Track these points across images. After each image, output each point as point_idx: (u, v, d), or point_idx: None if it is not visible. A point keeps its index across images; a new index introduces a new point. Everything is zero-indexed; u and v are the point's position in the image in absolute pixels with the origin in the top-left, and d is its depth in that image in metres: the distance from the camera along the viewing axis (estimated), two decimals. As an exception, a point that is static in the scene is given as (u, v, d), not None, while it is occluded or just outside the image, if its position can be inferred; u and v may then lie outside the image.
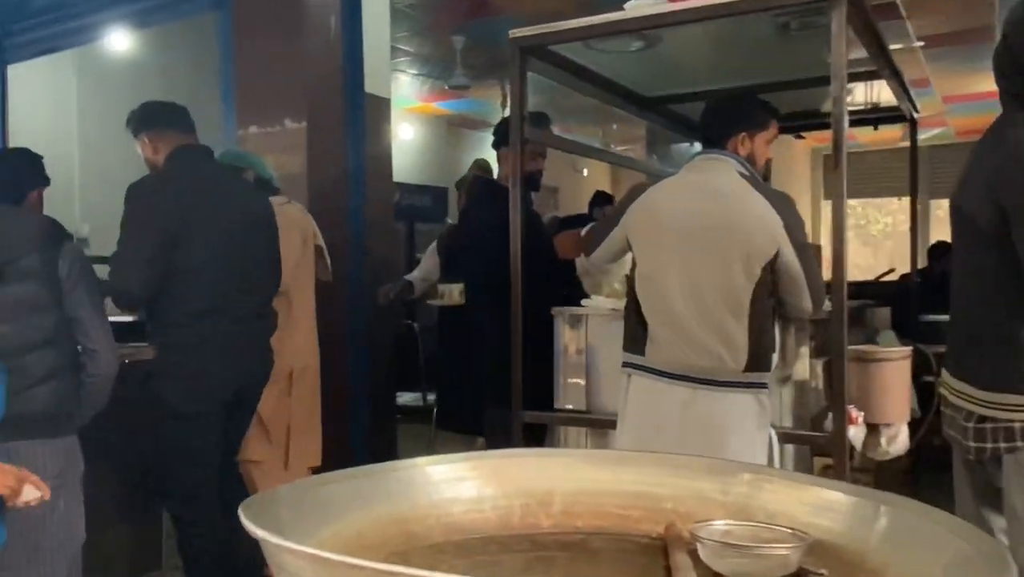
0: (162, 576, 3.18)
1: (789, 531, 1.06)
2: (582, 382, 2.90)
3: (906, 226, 11.62)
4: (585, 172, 12.93)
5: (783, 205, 2.28)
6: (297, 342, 3.27)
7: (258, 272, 2.94)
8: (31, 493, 1.87)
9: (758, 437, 2.30)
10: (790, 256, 2.26)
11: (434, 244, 4.14)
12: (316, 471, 3.33)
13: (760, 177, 2.41)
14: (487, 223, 3.25)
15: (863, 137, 10.13)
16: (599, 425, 2.83)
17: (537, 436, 3.12)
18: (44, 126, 5.72)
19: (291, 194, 3.54)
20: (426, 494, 1.22)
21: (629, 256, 2.51)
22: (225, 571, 2.82)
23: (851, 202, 10.60)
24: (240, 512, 0.91)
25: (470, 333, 3.55)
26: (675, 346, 2.30)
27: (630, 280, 2.46)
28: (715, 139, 2.43)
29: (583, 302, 2.99)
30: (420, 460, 1.27)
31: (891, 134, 8.36)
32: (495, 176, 3.78)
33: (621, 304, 2.83)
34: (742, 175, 2.34)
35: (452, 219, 4.11)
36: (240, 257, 2.83)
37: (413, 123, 9.46)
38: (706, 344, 2.27)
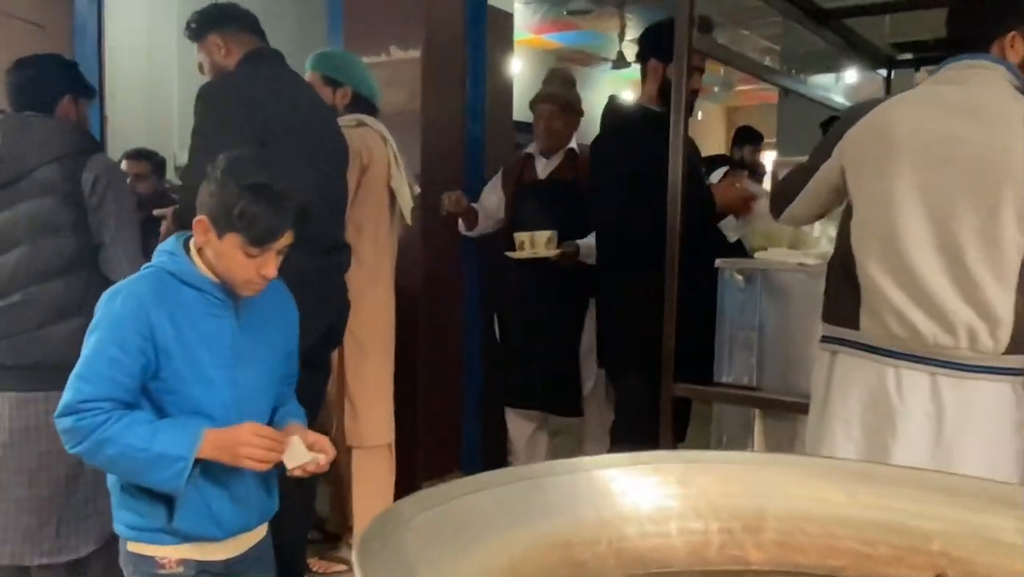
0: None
1: None
2: (753, 352, 2.37)
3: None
4: (699, 116, 12.14)
5: (1079, 131, 1.66)
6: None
7: (336, 197, 2.50)
8: (299, 456, 1.49)
9: (1016, 440, 1.74)
10: None
11: (497, 177, 3.40)
12: (397, 448, 2.97)
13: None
14: (636, 156, 2.71)
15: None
16: (773, 407, 2.32)
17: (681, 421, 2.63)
18: (143, 50, 5.43)
19: (403, 115, 3.09)
20: (594, 508, 0.97)
21: None
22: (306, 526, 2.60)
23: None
24: (355, 556, 0.70)
25: (599, 293, 3.05)
26: (909, 317, 1.73)
27: (842, 230, 1.90)
28: (974, 41, 1.81)
29: (757, 255, 2.44)
30: (583, 461, 1.01)
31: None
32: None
33: (810, 258, 2.29)
34: (1017, 88, 1.74)
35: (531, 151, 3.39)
36: (322, 179, 2.38)
37: (522, 57, 8.93)
38: (958, 315, 1.70)
